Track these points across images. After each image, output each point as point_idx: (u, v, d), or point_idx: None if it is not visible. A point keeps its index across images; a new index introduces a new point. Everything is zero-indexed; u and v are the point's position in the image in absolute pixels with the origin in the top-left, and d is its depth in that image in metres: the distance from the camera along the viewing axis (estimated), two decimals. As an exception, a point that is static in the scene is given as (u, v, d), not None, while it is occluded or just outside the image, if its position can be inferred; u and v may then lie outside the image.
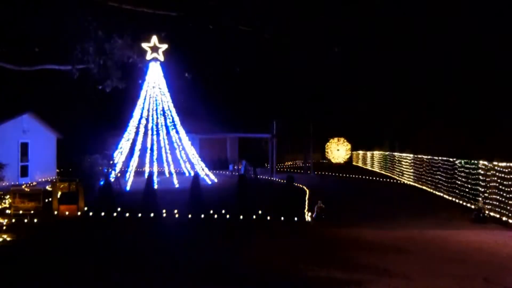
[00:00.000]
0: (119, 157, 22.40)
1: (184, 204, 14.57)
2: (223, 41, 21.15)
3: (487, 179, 13.74)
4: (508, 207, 12.30)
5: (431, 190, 19.49)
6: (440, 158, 18.61)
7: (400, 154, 26.73)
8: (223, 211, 13.52)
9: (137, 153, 22.49)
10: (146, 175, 17.48)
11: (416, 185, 22.12)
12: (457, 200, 16.23)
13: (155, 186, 13.87)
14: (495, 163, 13.28)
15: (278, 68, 35.68)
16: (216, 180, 23.74)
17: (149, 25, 20.68)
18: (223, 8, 17.61)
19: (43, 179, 24.26)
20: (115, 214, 13.44)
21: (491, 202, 13.33)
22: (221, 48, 23.39)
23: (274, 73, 36.90)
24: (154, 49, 22.16)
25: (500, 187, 12.80)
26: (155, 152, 22.32)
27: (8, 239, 10.66)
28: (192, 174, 16.13)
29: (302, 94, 40.18)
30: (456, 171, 16.34)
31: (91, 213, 13.72)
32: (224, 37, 20.21)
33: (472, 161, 15.07)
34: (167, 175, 24.90)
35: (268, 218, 12.99)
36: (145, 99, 23.02)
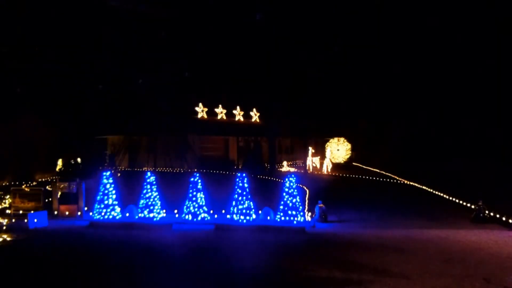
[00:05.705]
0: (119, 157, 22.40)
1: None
2: (221, 39, 21.12)
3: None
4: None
5: (431, 190, 19.44)
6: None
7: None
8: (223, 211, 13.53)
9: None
10: None
11: (416, 184, 22.08)
12: (457, 200, 16.20)
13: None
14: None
15: (277, 67, 35.67)
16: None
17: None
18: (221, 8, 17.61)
19: (43, 179, 24.21)
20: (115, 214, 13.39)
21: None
22: (220, 47, 23.35)
23: (273, 73, 36.87)
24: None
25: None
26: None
27: (8, 239, 10.66)
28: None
29: (302, 93, 40.14)
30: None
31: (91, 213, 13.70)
32: (223, 35, 20.19)
33: None
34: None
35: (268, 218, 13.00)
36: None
